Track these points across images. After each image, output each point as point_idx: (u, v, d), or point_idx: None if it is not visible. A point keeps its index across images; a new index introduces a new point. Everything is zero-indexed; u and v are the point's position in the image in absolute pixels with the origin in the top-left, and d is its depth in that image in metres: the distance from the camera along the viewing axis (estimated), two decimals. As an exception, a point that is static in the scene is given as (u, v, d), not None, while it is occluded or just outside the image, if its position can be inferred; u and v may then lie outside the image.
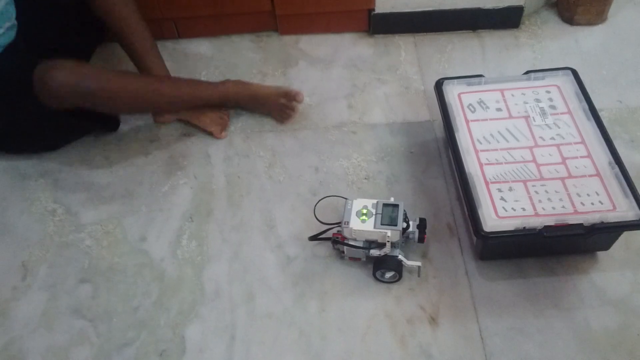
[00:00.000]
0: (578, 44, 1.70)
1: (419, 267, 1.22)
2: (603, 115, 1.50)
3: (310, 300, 1.22)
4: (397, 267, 1.19)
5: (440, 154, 1.46)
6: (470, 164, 1.22)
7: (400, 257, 1.19)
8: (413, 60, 1.69)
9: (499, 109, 1.32)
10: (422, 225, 1.21)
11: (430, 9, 1.70)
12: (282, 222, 1.35)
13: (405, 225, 1.18)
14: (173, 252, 1.31)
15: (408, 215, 1.20)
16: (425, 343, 1.15)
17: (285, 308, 1.21)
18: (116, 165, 1.48)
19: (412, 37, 1.76)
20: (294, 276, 1.26)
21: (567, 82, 1.36)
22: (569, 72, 1.37)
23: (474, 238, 1.22)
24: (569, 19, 1.75)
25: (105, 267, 1.30)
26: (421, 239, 1.20)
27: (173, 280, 1.27)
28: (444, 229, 1.31)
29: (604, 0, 1.69)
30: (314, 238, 1.27)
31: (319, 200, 1.33)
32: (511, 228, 1.12)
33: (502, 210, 1.15)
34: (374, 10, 1.70)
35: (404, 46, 1.73)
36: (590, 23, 1.75)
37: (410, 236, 1.20)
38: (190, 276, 1.27)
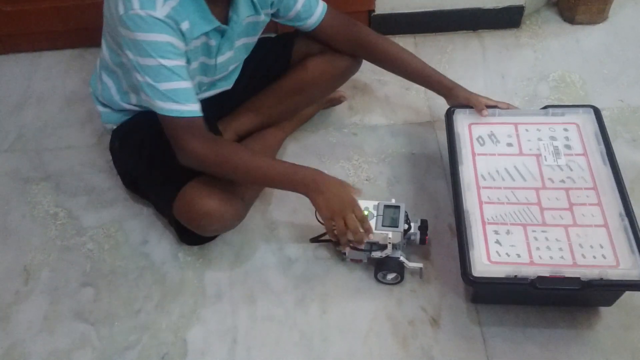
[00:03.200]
0: (579, 44, 1.70)
1: (420, 268, 1.22)
2: (605, 114, 1.49)
3: (312, 302, 1.22)
4: (399, 269, 1.19)
5: (441, 155, 1.45)
6: (469, 201, 1.16)
7: (402, 258, 1.19)
8: (414, 61, 1.68)
9: (509, 144, 1.25)
10: (423, 226, 1.20)
11: (431, 9, 1.70)
12: (283, 225, 1.35)
13: (406, 226, 1.17)
14: (174, 255, 1.31)
15: (409, 216, 1.20)
16: (426, 345, 1.15)
17: (287, 310, 1.21)
18: (117, 169, 1.48)
19: (412, 37, 1.76)
20: (295, 278, 1.26)
21: (587, 121, 1.27)
22: (591, 110, 1.29)
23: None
24: (570, 18, 1.75)
25: (107, 270, 1.30)
26: (422, 241, 1.20)
27: (174, 283, 1.27)
28: (445, 231, 1.31)
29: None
30: (315, 240, 1.27)
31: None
32: (501, 275, 1.05)
33: (496, 254, 1.08)
34: (374, 11, 1.70)
35: (404, 47, 1.73)
36: (591, 22, 1.74)
37: (412, 237, 1.20)
38: (191, 279, 1.27)
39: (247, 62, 1.37)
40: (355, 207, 1.15)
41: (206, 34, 1.15)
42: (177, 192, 1.20)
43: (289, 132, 1.50)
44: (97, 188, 1.45)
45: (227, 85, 1.36)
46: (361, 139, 1.51)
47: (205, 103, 1.33)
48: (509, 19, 1.73)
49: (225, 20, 1.18)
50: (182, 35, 1.10)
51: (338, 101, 1.56)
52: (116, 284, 1.28)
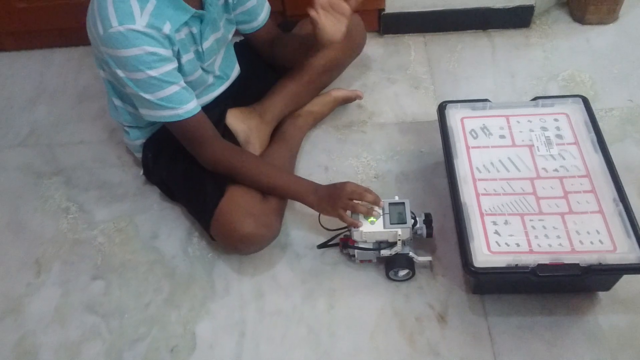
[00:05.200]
0: (589, 43, 1.70)
1: (430, 261, 1.23)
2: (614, 114, 1.50)
3: (319, 297, 1.23)
4: (410, 265, 1.20)
5: (449, 153, 1.46)
6: (467, 194, 1.17)
7: (411, 254, 1.20)
8: (423, 60, 1.69)
9: (502, 136, 1.26)
10: (428, 220, 1.21)
11: (440, 8, 1.70)
12: (292, 220, 1.36)
13: (413, 221, 1.18)
14: (184, 250, 1.33)
15: (413, 211, 1.21)
16: (433, 341, 1.15)
17: (294, 305, 1.22)
18: (128, 164, 1.50)
19: (422, 36, 1.76)
20: (303, 274, 1.27)
21: (576, 111, 1.29)
22: (579, 99, 1.30)
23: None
24: (580, 18, 1.75)
25: (117, 264, 1.31)
26: (429, 234, 1.20)
27: (184, 277, 1.28)
28: (453, 228, 1.30)
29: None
30: (323, 246, 1.28)
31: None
32: (502, 265, 1.06)
33: (495, 244, 1.09)
34: (384, 10, 1.71)
35: (413, 46, 1.74)
36: (601, 22, 1.74)
37: (418, 232, 1.21)
38: (200, 273, 1.29)
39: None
40: (350, 183, 1.20)
41: (186, 23, 1.16)
42: (212, 211, 1.21)
43: (307, 131, 1.52)
44: (108, 183, 1.47)
45: (229, 72, 1.39)
46: (370, 136, 1.52)
47: (229, 93, 1.38)
48: (519, 18, 1.73)
49: (200, 5, 1.19)
50: (168, 38, 1.11)
51: (354, 99, 1.57)
52: (126, 277, 1.29)
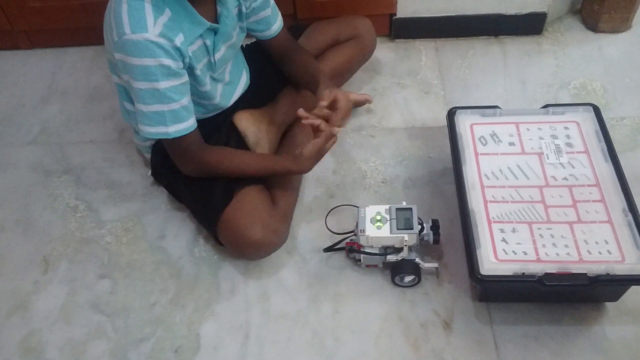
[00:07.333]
0: (601, 52, 1.69)
1: (436, 268, 1.23)
2: (625, 123, 1.49)
3: (324, 301, 1.23)
4: (416, 271, 1.19)
5: (458, 159, 1.45)
6: (474, 200, 1.16)
7: (417, 260, 1.19)
8: (433, 65, 1.69)
9: (511, 144, 1.26)
10: (435, 226, 1.21)
11: (452, 14, 1.70)
12: (299, 224, 1.36)
13: (419, 227, 1.18)
14: (190, 251, 1.33)
15: (421, 217, 1.20)
16: (438, 348, 1.15)
17: (300, 309, 1.22)
18: (137, 164, 1.51)
19: (433, 42, 1.76)
20: (309, 277, 1.27)
21: (587, 119, 1.28)
22: (590, 108, 1.29)
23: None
24: (593, 26, 1.74)
25: (124, 263, 1.32)
26: (436, 241, 1.20)
27: (190, 278, 1.28)
28: (460, 235, 1.30)
29: (628, 8, 1.67)
30: (329, 249, 1.28)
31: (330, 211, 1.33)
32: (509, 273, 1.06)
33: (502, 252, 1.09)
34: (395, 14, 1.71)
35: (424, 51, 1.73)
36: (614, 30, 1.73)
37: (425, 238, 1.20)
38: (206, 274, 1.29)
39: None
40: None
41: (200, 36, 1.16)
42: (219, 214, 1.22)
43: None
44: (117, 182, 1.47)
45: (239, 76, 1.38)
46: (379, 141, 1.52)
47: (241, 99, 1.39)
48: (531, 25, 1.73)
49: (215, 17, 1.19)
50: (178, 50, 1.10)
51: (363, 103, 1.57)
52: (133, 277, 1.30)
